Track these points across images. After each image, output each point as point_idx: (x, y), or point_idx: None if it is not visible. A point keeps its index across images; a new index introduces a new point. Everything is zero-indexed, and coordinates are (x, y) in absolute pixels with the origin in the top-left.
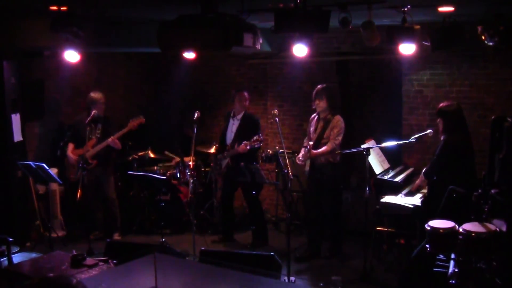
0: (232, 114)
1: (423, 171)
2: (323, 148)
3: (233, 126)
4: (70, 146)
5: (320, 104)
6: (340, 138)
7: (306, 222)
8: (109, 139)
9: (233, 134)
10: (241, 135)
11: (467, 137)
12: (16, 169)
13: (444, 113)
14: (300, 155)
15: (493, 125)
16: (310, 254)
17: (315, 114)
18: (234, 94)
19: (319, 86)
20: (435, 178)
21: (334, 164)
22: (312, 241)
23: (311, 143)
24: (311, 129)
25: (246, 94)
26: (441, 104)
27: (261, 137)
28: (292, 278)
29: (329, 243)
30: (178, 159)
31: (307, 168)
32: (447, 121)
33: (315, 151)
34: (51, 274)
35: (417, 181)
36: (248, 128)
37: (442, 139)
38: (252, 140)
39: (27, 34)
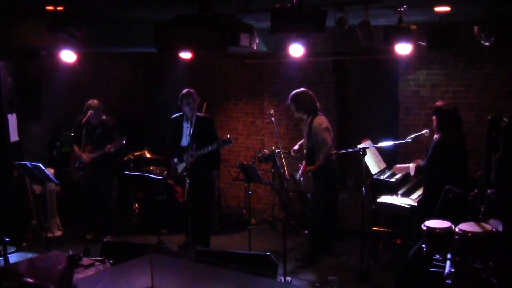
0: None
1: (418, 165)
2: (319, 161)
3: None
4: (76, 148)
5: (294, 112)
6: (328, 141)
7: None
8: (106, 148)
9: None
10: None
11: (461, 138)
12: (12, 169)
13: (439, 111)
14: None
15: (490, 125)
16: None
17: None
18: None
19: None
20: (426, 176)
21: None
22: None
23: (305, 151)
24: (304, 133)
25: None
26: (437, 103)
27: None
28: (289, 278)
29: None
30: None
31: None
32: (442, 120)
33: (311, 167)
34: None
35: (410, 166)
36: None
37: (435, 138)
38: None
39: (23, 34)
